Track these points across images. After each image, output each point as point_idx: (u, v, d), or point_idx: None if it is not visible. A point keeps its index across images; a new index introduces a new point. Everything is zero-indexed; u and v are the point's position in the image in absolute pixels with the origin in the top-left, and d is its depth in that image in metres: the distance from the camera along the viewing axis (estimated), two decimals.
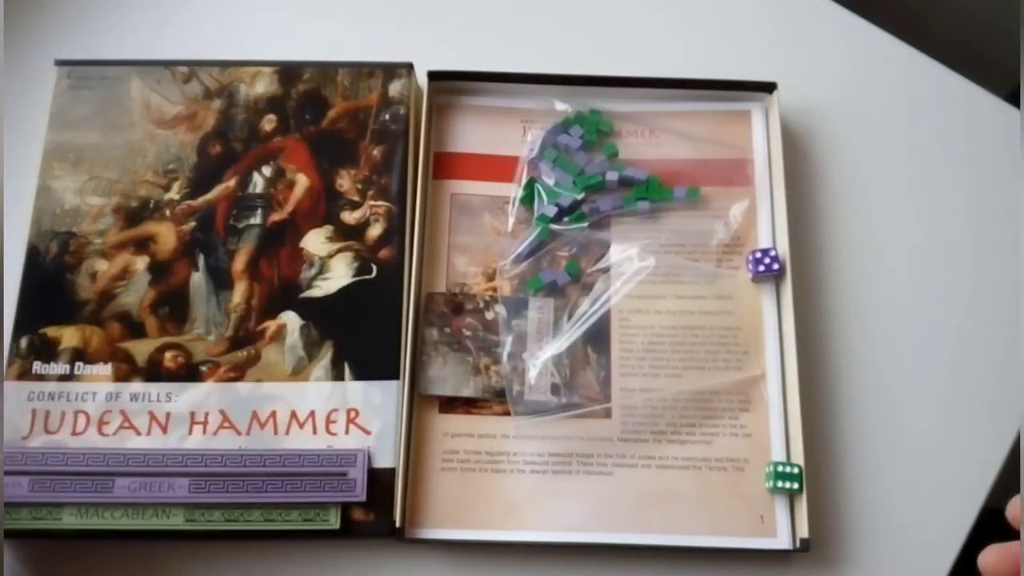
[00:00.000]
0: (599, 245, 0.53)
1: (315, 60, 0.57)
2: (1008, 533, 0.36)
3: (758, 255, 0.52)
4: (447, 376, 0.50)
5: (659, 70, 0.56)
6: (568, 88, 0.56)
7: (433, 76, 0.55)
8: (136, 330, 0.51)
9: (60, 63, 0.56)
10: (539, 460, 0.49)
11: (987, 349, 0.53)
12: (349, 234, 0.53)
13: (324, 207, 0.53)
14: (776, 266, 0.51)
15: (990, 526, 0.38)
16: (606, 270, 0.53)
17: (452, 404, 0.50)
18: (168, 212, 0.53)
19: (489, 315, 0.52)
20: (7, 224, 0.53)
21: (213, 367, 0.50)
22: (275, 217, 0.53)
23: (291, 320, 0.51)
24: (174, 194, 0.54)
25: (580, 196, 0.53)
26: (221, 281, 0.52)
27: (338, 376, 0.50)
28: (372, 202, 0.53)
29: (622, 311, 0.52)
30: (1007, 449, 0.51)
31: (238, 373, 0.50)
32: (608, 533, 0.47)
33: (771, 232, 0.53)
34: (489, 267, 0.53)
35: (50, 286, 0.51)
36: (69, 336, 0.50)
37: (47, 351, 0.50)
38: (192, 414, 0.49)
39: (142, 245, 0.53)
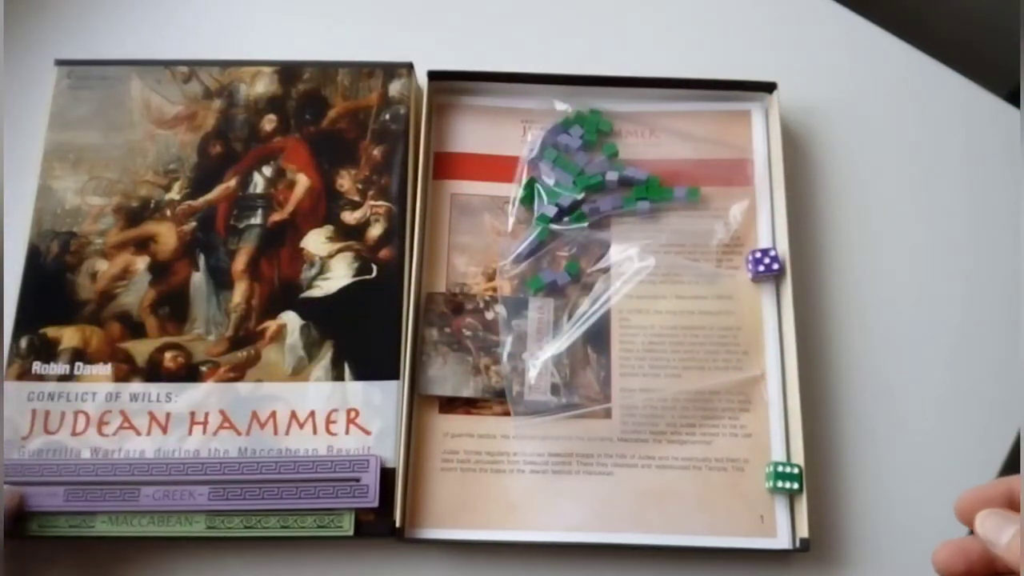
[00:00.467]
0: (599, 245, 0.53)
1: (315, 60, 0.57)
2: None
3: (758, 255, 0.52)
4: (447, 376, 0.50)
5: (659, 70, 0.56)
6: (568, 88, 0.56)
7: (433, 76, 0.55)
8: (136, 330, 0.51)
9: (60, 63, 0.56)
10: (539, 460, 0.49)
11: (987, 349, 0.53)
12: (349, 234, 0.53)
13: (324, 207, 0.53)
14: (776, 266, 0.51)
15: None
16: (606, 270, 0.53)
17: (452, 404, 0.50)
18: (168, 212, 0.53)
19: (489, 315, 0.52)
20: (7, 224, 0.53)
21: (213, 367, 0.50)
22: (275, 217, 0.53)
23: (291, 320, 0.51)
24: (174, 194, 0.54)
25: (580, 196, 0.53)
26: (221, 281, 0.52)
27: (338, 376, 0.50)
28: (372, 202, 0.53)
29: (622, 311, 0.52)
30: (1007, 449, 0.51)
31: (238, 373, 0.50)
32: (608, 533, 0.47)
33: (771, 232, 0.53)
34: (489, 267, 0.53)
35: (50, 286, 0.51)
36: (69, 336, 0.50)
37: (47, 351, 0.50)
38: (192, 414, 0.49)
39: (142, 245, 0.53)
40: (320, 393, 0.49)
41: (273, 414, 0.49)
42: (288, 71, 0.56)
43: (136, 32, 0.60)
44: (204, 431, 0.49)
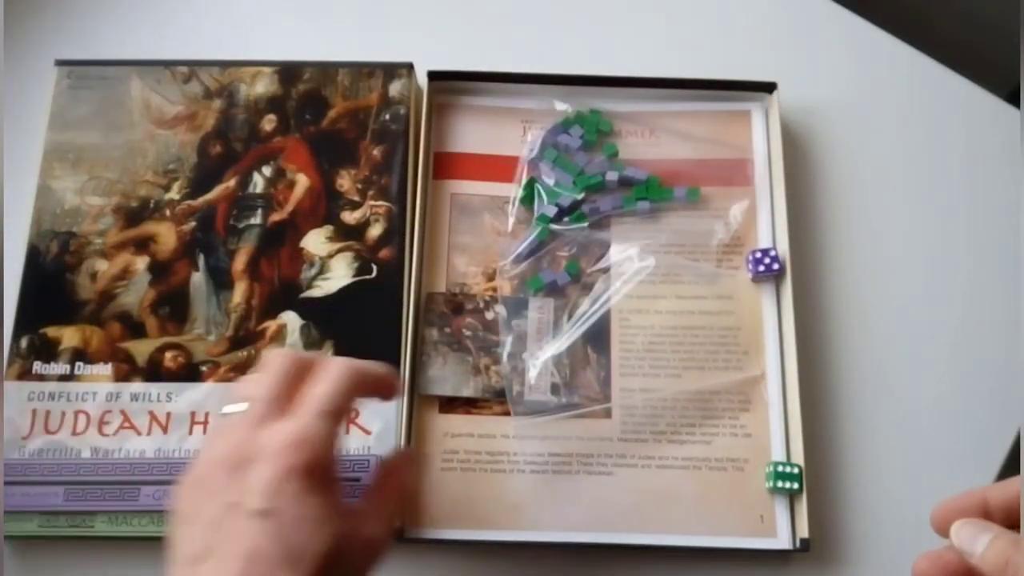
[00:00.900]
0: (599, 245, 0.53)
1: (315, 60, 0.57)
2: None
3: (758, 255, 0.52)
4: (447, 376, 0.50)
5: (659, 70, 0.56)
6: (568, 88, 0.56)
7: (433, 76, 0.55)
8: (136, 330, 0.51)
9: (60, 63, 0.56)
10: (539, 460, 0.49)
11: (987, 349, 0.53)
12: (349, 234, 0.53)
13: (324, 207, 0.53)
14: (776, 266, 0.51)
15: None
16: (606, 270, 0.53)
17: (452, 404, 0.50)
18: (168, 212, 0.53)
19: (489, 315, 0.52)
20: (7, 224, 0.53)
21: (213, 367, 0.50)
22: (275, 217, 0.53)
23: (291, 320, 0.51)
24: (174, 194, 0.54)
25: (580, 196, 0.53)
26: (221, 281, 0.52)
27: None
28: (372, 202, 0.53)
29: (622, 311, 0.52)
30: (1007, 449, 0.51)
31: (238, 373, 0.50)
32: (608, 533, 0.47)
33: (771, 232, 0.53)
34: (489, 267, 0.53)
35: (50, 286, 0.51)
36: (69, 336, 0.50)
37: (47, 351, 0.50)
38: (192, 414, 0.49)
39: (142, 245, 0.53)
40: None
41: None
42: (288, 71, 0.56)
43: (136, 32, 0.60)
44: (204, 431, 0.49)
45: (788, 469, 0.48)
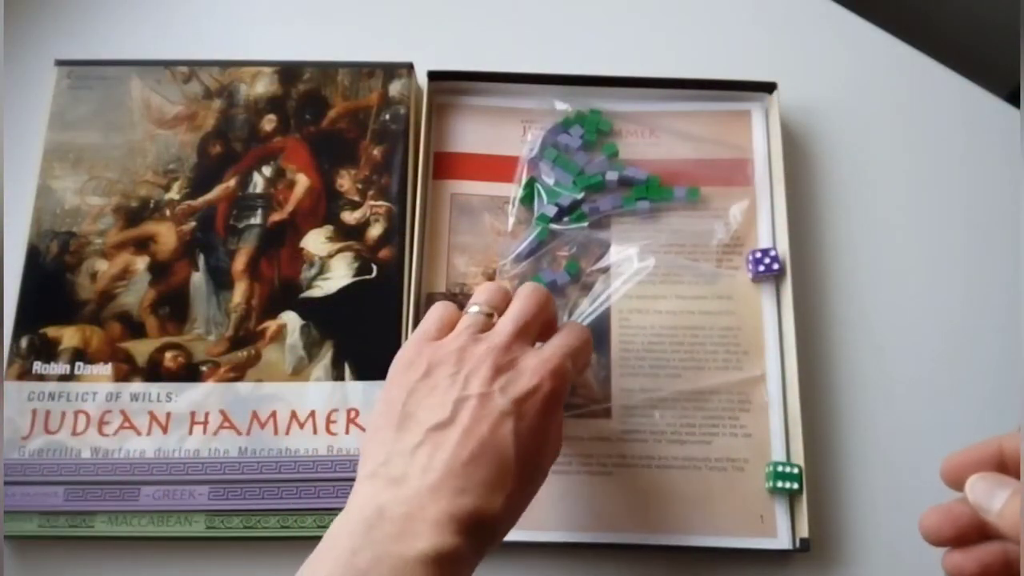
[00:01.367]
0: (599, 245, 0.53)
1: (315, 60, 0.57)
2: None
3: (758, 255, 0.52)
4: None
5: (659, 70, 0.56)
6: (568, 88, 0.56)
7: (433, 76, 0.55)
8: (136, 330, 0.51)
9: (60, 63, 0.56)
10: None
11: (987, 349, 0.53)
12: (349, 234, 0.53)
13: (324, 207, 0.53)
14: (776, 266, 0.51)
15: None
16: (606, 270, 0.53)
17: None
18: (168, 212, 0.53)
19: None
20: (7, 224, 0.53)
21: (213, 367, 0.50)
22: (275, 217, 0.53)
23: (291, 320, 0.51)
24: (174, 194, 0.54)
25: (580, 196, 0.53)
26: (221, 281, 0.52)
27: (338, 376, 0.50)
28: (372, 202, 0.53)
29: (622, 311, 0.52)
30: None
31: (238, 373, 0.50)
32: (608, 533, 0.47)
33: (771, 232, 0.53)
34: (489, 267, 0.53)
35: (50, 286, 0.51)
36: (69, 336, 0.50)
37: (47, 351, 0.50)
38: (192, 414, 0.49)
39: (142, 245, 0.53)
40: (320, 393, 0.49)
41: (273, 414, 0.49)
42: (288, 71, 0.56)
43: (136, 32, 0.60)
44: (204, 431, 0.49)
45: (788, 469, 0.48)
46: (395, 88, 0.56)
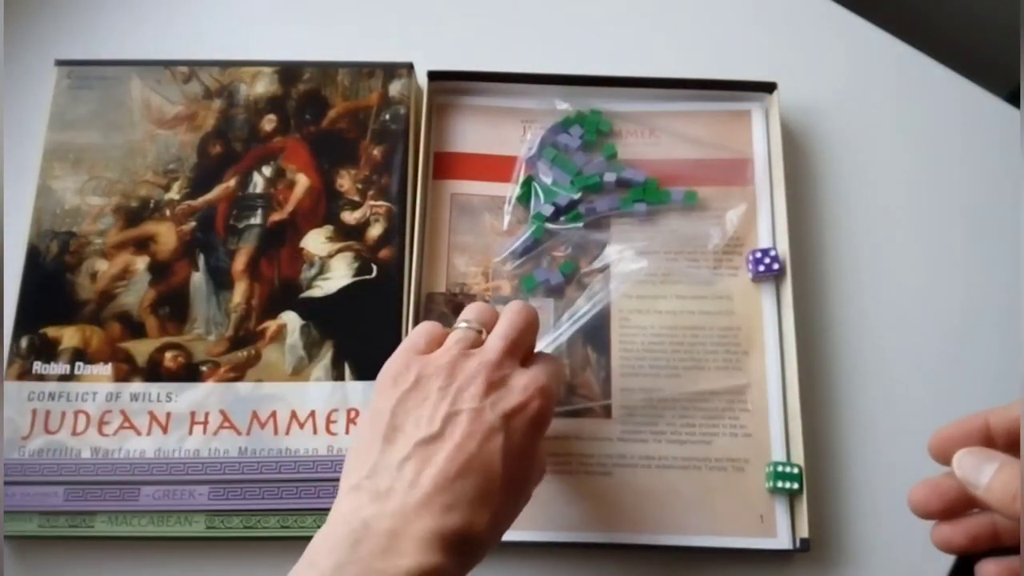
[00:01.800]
0: (595, 245, 0.53)
1: (315, 60, 0.57)
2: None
3: (758, 255, 0.52)
4: None
5: (659, 70, 0.56)
6: (568, 88, 0.56)
7: (433, 76, 0.55)
8: (136, 330, 0.51)
9: (60, 63, 0.56)
10: None
11: (987, 349, 0.53)
12: (349, 234, 0.53)
13: (324, 207, 0.53)
14: (776, 266, 0.51)
15: (1017, 550, 0.37)
16: (602, 270, 0.53)
17: None
18: (168, 212, 0.53)
19: None
20: (7, 224, 0.53)
21: (213, 367, 0.50)
22: (275, 217, 0.53)
23: (291, 320, 0.51)
24: (174, 194, 0.54)
25: (577, 196, 0.53)
26: (221, 281, 0.52)
27: (338, 376, 0.50)
28: (372, 202, 0.53)
29: (622, 311, 0.52)
30: None
31: (238, 373, 0.50)
32: (608, 533, 0.47)
33: (771, 232, 0.53)
34: (489, 267, 0.53)
35: (50, 286, 0.51)
36: (69, 336, 0.50)
37: (47, 351, 0.50)
38: (192, 414, 0.49)
39: (142, 245, 0.53)
40: (320, 393, 0.49)
41: (273, 414, 0.49)
42: (288, 71, 0.56)
43: (136, 32, 0.60)
44: (204, 431, 0.49)
45: (788, 469, 0.48)
46: (395, 88, 0.56)
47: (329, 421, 0.49)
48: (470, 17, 0.61)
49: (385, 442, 0.38)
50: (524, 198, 0.54)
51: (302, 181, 0.54)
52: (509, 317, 0.42)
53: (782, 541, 0.47)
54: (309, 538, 0.47)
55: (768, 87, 0.55)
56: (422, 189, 0.54)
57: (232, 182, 0.54)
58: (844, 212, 0.56)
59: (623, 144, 0.55)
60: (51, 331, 0.50)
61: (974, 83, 0.59)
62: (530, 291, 0.52)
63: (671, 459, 0.49)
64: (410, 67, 0.56)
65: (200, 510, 0.47)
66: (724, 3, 0.62)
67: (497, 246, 0.53)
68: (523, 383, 0.39)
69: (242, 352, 0.50)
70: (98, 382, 0.50)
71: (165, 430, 0.49)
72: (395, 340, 0.50)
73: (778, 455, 0.49)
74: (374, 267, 0.52)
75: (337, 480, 0.47)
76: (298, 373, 0.50)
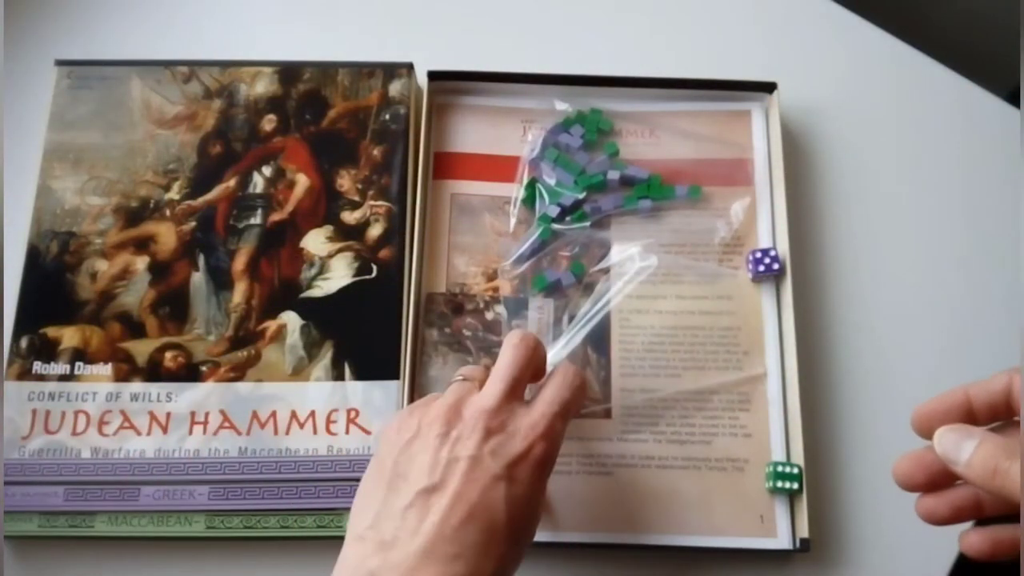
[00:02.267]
0: (601, 244, 0.53)
1: (315, 60, 0.57)
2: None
3: (758, 255, 0.52)
4: (448, 376, 0.50)
5: (659, 70, 0.56)
6: (568, 88, 0.56)
7: (433, 76, 0.55)
8: (136, 330, 0.51)
9: (60, 63, 0.56)
10: None
11: (986, 348, 0.53)
12: (349, 234, 0.53)
13: (324, 207, 0.53)
14: (776, 266, 0.51)
15: (999, 520, 0.38)
16: (607, 270, 0.53)
17: None
18: (168, 212, 0.53)
19: (489, 315, 0.52)
20: (7, 224, 0.53)
21: (213, 367, 0.50)
22: (275, 217, 0.53)
23: (291, 320, 0.51)
24: (174, 194, 0.54)
25: (582, 195, 0.53)
26: (221, 281, 0.52)
27: (338, 376, 0.50)
28: (372, 202, 0.53)
29: (622, 311, 0.52)
30: None
31: (238, 373, 0.50)
32: (608, 533, 0.47)
33: (771, 232, 0.53)
34: (489, 267, 0.53)
35: (50, 286, 0.51)
36: (69, 336, 0.50)
37: (47, 351, 0.50)
38: (192, 414, 0.49)
39: (142, 245, 0.53)
40: (320, 393, 0.49)
41: (273, 414, 0.49)
42: (288, 71, 0.56)
43: (136, 32, 0.60)
44: (204, 431, 0.49)
45: (788, 469, 0.48)
46: (395, 88, 0.56)
47: (329, 421, 0.49)
48: (470, 17, 0.61)
49: (388, 490, 0.38)
50: (529, 200, 0.54)
51: (302, 181, 0.54)
52: (507, 353, 0.41)
53: (782, 541, 0.47)
54: (309, 538, 0.47)
55: (768, 87, 0.55)
56: (422, 189, 0.54)
57: (232, 182, 0.54)
58: (844, 212, 0.56)
59: (623, 144, 0.55)
60: (51, 331, 0.50)
61: (974, 83, 0.59)
62: (541, 291, 0.52)
63: (671, 459, 0.49)
64: (410, 67, 0.56)
65: (200, 510, 0.47)
66: (724, 3, 0.62)
67: (498, 246, 0.53)
68: (524, 428, 0.39)
69: (242, 352, 0.50)
70: (98, 382, 0.50)
71: (165, 430, 0.49)
72: (395, 340, 0.50)
73: (778, 455, 0.49)
74: (374, 267, 0.52)
75: (337, 480, 0.47)
76: (298, 373, 0.50)
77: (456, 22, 0.61)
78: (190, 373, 0.50)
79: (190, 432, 0.49)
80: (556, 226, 0.53)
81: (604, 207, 0.53)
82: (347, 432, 0.49)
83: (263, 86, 0.56)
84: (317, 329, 0.51)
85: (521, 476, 0.38)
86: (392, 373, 0.50)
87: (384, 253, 0.52)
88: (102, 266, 0.52)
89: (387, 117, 0.55)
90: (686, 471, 0.49)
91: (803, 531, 0.47)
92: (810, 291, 0.54)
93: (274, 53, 0.57)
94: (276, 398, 0.49)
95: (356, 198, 0.54)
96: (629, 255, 0.53)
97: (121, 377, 0.50)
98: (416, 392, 0.50)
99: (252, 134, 0.55)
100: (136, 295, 0.51)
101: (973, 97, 0.59)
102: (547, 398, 0.41)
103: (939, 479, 0.36)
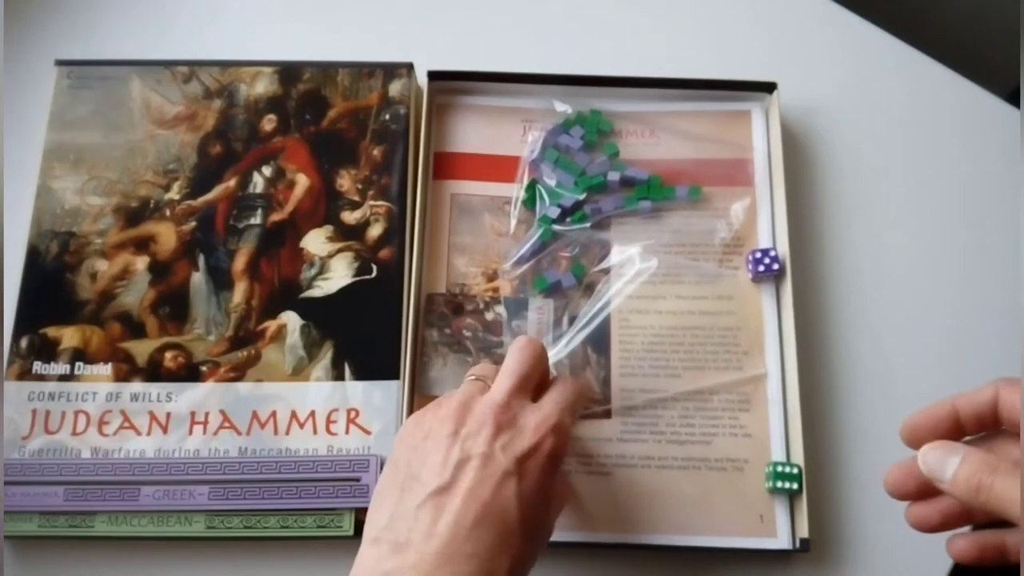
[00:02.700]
0: (601, 245, 0.53)
1: (315, 60, 0.57)
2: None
3: (758, 255, 0.52)
4: (448, 377, 0.50)
5: (659, 70, 0.56)
6: (568, 88, 0.56)
7: (433, 76, 0.55)
8: (136, 330, 0.51)
9: (60, 63, 0.56)
10: None
11: (986, 349, 0.53)
12: (349, 234, 0.53)
13: (324, 207, 0.53)
14: (776, 266, 0.51)
15: (989, 525, 0.38)
16: (607, 271, 0.53)
17: None
18: (168, 212, 0.53)
19: (489, 315, 0.52)
20: (7, 224, 0.53)
21: (213, 367, 0.50)
22: (275, 217, 0.53)
23: (291, 320, 0.51)
24: (174, 194, 0.54)
25: (582, 196, 0.53)
26: (221, 281, 0.52)
27: (338, 376, 0.50)
28: (372, 202, 0.53)
29: (622, 311, 0.52)
30: None
31: (238, 373, 0.50)
32: (608, 533, 0.47)
33: (771, 232, 0.53)
34: (489, 267, 0.53)
35: (50, 286, 0.51)
36: (69, 336, 0.50)
37: (47, 351, 0.50)
38: (192, 414, 0.49)
39: (142, 245, 0.53)
40: (320, 393, 0.49)
41: (273, 414, 0.49)
42: (288, 71, 0.56)
43: (136, 32, 0.60)
44: (204, 431, 0.49)
45: (788, 469, 0.48)
46: (395, 88, 0.56)
47: (329, 421, 0.49)
48: (470, 17, 0.61)
49: (401, 492, 0.38)
50: (529, 202, 0.54)
51: (302, 181, 0.54)
52: (515, 354, 0.42)
53: (782, 541, 0.47)
54: (309, 538, 0.47)
55: (768, 87, 0.55)
56: (422, 189, 0.54)
57: (232, 182, 0.54)
58: (844, 212, 0.56)
59: (624, 144, 0.55)
60: (51, 331, 0.50)
61: (974, 83, 0.59)
62: (541, 291, 0.52)
63: (671, 459, 0.49)
64: (410, 67, 0.56)
65: (200, 510, 0.47)
66: (724, 3, 0.62)
67: (499, 247, 0.53)
68: (534, 422, 0.39)
69: (242, 352, 0.50)
70: (98, 382, 0.50)
71: (165, 430, 0.49)
72: (395, 340, 0.50)
73: (778, 455, 0.49)
74: (374, 267, 0.52)
75: (337, 480, 0.47)
76: (298, 373, 0.50)
77: (456, 22, 0.61)
78: (190, 373, 0.50)
79: (190, 432, 0.49)
80: (556, 227, 0.53)
81: (604, 208, 0.53)
82: (347, 432, 0.49)
83: (263, 86, 0.56)
84: (317, 329, 0.51)
85: (531, 471, 0.38)
86: (392, 373, 0.50)
87: (384, 253, 0.52)
88: (102, 266, 0.52)
89: (387, 117, 0.55)
90: (686, 471, 0.49)
91: (803, 531, 0.47)
92: (810, 291, 0.54)
93: (274, 53, 0.57)
94: (276, 398, 0.49)
95: (356, 198, 0.54)
96: (629, 256, 0.53)
97: (121, 377, 0.50)
98: (416, 392, 0.50)
99: (252, 134, 0.55)
100: (136, 295, 0.51)
101: (973, 97, 0.59)
102: (554, 396, 0.41)
103: (929, 487, 0.36)
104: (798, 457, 0.48)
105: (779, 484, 0.47)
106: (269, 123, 0.55)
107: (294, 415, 0.49)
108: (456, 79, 0.56)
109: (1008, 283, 0.54)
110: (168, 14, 0.61)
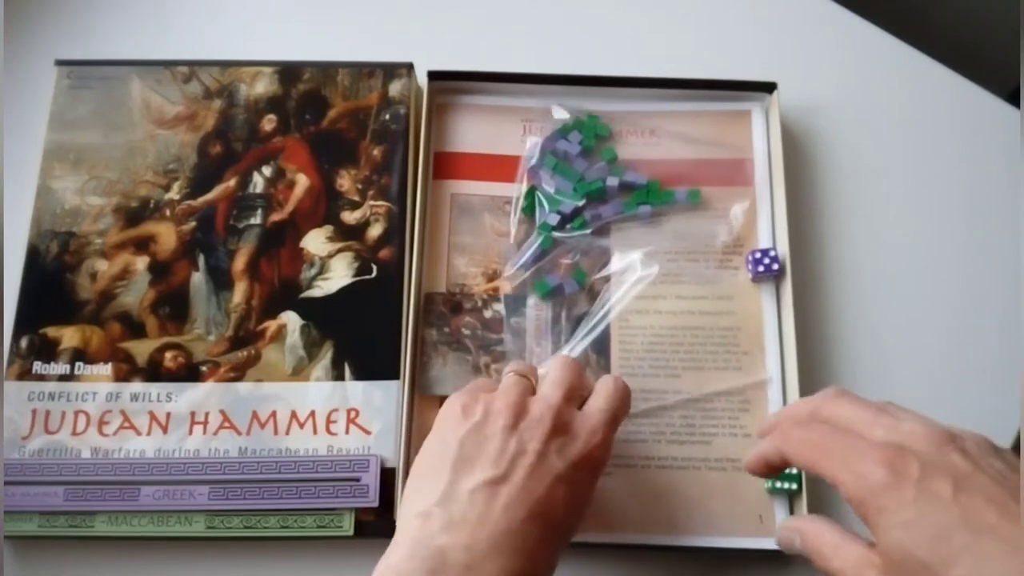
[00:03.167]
0: (602, 252, 0.53)
1: (315, 60, 0.57)
2: None
3: (758, 255, 0.52)
4: (448, 376, 0.50)
5: (659, 70, 0.56)
6: (568, 88, 0.56)
7: (433, 76, 0.55)
8: (136, 330, 0.51)
9: (60, 63, 0.56)
10: None
11: (987, 349, 0.53)
12: (349, 234, 0.53)
13: (324, 207, 0.53)
14: (776, 266, 0.51)
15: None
16: (608, 278, 0.52)
17: None
18: (168, 212, 0.53)
19: (487, 313, 0.52)
20: (7, 224, 0.53)
21: (213, 367, 0.50)
22: (275, 217, 0.53)
23: (291, 320, 0.51)
24: (174, 194, 0.54)
25: (581, 203, 0.53)
26: (221, 281, 0.52)
27: (338, 376, 0.50)
28: (372, 202, 0.53)
29: (622, 312, 0.52)
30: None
31: (238, 373, 0.50)
32: (608, 533, 0.47)
33: (771, 232, 0.53)
34: (489, 267, 0.53)
35: (50, 286, 0.51)
36: (69, 336, 0.50)
37: (47, 351, 0.50)
38: (192, 414, 0.49)
39: (142, 245, 0.53)
40: (320, 393, 0.49)
41: (273, 414, 0.49)
42: (288, 71, 0.56)
43: (136, 32, 0.60)
44: (204, 431, 0.49)
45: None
46: (395, 88, 0.56)
47: (329, 421, 0.49)
48: (470, 17, 0.61)
49: (454, 472, 0.38)
50: (528, 209, 0.54)
51: (302, 181, 0.54)
52: (560, 368, 0.43)
53: None
54: (309, 538, 0.47)
55: (768, 87, 0.55)
56: (422, 189, 0.54)
57: (232, 182, 0.54)
58: (844, 212, 0.56)
59: (623, 145, 0.55)
60: (51, 331, 0.50)
61: (974, 83, 0.59)
62: (543, 297, 0.52)
63: (671, 459, 0.49)
64: (410, 67, 0.56)
65: (200, 510, 0.47)
66: (724, 3, 0.62)
67: (498, 247, 0.53)
68: (587, 430, 0.40)
69: (242, 352, 0.50)
70: (98, 382, 0.50)
71: (165, 430, 0.49)
72: (395, 340, 0.50)
73: None
74: (374, 267, 0.52)
75: (337, 480, 0.47)
76: (298, 373, 0.50)
77: (456, 22, 0.61)
78: (190, 373, 0.50)
79: (190, 432, 0.49)
80: (557, 234, 0.53)
81: (604, 214, 0.53)
82: (347, 432, 0.49)
83: (263, 86, 0.56)
84: (317, 329, 0.51)
85: (580, 479, 0.39)
86: (392, 373, 0.50)
87: (384, 253, 0.52)
88: (102, 266, 0.52)
89: (387, 117, 0.55)
90: (686, 471, 0.49)
91: None
92: (810, 291, 0.54)
93: (274, 53, 0.57)
94: (276, 398, 0.49)
95: (356, 198, 0.54)
96: (630, 262, 0.53)
97: (121, 377, 0.50)
98: (416, 392, 0.50)
99: (252, 134, 0.55)
100: (136, 295, 0.51)
101: (973, 97, 0.59)
102: (600, 406, 0.42)
103: (775, 463, 0.39)
104: None
105: (779, 485, 0.47)
106: (269, 123, 0.55)
107: (294, 415, 0.49)
108: (456, 79, 0.56)
109: (1008, 283, 0.54)
110: (168, 14, 0.61)
